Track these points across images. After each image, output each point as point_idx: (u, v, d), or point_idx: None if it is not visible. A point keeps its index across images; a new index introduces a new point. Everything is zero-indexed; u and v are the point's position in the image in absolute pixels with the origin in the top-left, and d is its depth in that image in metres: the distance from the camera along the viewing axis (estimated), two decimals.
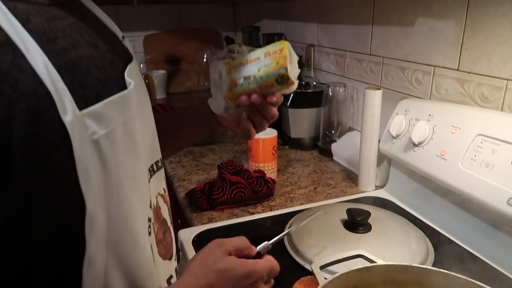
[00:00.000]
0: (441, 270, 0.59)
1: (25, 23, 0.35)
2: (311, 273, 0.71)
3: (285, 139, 1.42)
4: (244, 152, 1.34)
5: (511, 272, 0.74)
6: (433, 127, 0.89)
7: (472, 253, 0.81)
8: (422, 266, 0.60)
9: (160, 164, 0.58)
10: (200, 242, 0.86)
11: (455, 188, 0.81)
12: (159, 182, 0.58)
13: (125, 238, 0.43)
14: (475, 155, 0.79)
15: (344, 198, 1.04)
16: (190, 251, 0.84)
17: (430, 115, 0.91)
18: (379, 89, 1.01)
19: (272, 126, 1.27)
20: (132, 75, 0.46)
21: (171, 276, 0.59)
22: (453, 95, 0.97)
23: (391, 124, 0.99)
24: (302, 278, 0.74)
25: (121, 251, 0.43)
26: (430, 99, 1.04)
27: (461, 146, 0.82)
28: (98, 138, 0.38)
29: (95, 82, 0.40)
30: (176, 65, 2.32)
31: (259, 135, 1.14)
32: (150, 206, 0.51)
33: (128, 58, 0.50)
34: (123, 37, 0.57)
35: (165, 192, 0.60)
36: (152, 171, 0.55)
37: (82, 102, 0.37)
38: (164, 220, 0.58)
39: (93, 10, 0.52)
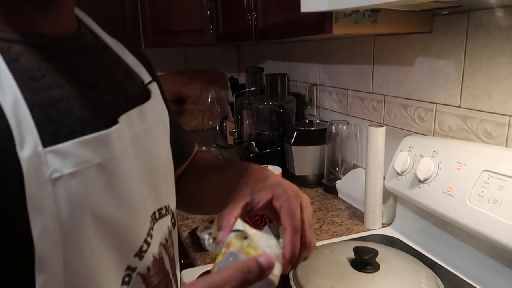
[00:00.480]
0: None
1: (12, 62, 0.37)
2: None
3: (289, 177, 1.41)
4: None
5: None
6: (438, 163, 0.89)
7: None
8: None
9: (164, 212, 0.55)
10: None
11: (464, 225, 0.80)
12: (163, 231, 0.55)
13: (83, 284, 0.41)
14: (482, 191, 0.78)
15: (350, 236, 1.02)
16: None
17: (434, 151, 0.91)
18: (382, 126, 1.02)
19: (276, 163, 1.28)
20: (141, 116, 0.47)
21: None
22: (456, 131, 0.97)
23: (396, 161, 0.99)
24: None
25: None
26: (433, 135, 1.04)
27: (467, 182, 0.81)
28: (60, 176, 0.37)
29: (73, 120, 0.40)
30: (182, 105, 2.37)
31: None
32: (139, 256, 0.48)
33: (141, 101, 0.51)
34: (151, 81, 0.58)
35: (167, 242, 0.56)
36: (155, 219, 0.52)
37: (50, 139, 0.37)
38: (167, 272, 0.55)
39: (121, 54, 0.54)
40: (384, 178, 1.04)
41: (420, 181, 0.91)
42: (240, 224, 0.48)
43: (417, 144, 0.97)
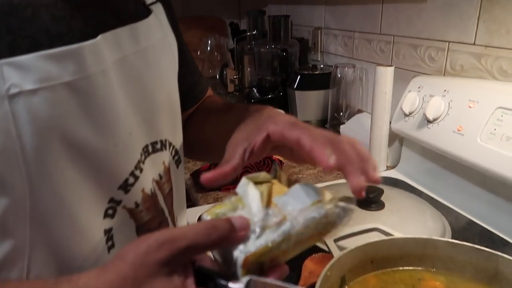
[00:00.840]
0: (467, 243, 0.56)
1: None
2: (322, 250, 0.68)
3: None
4: None
5: None
6: (448, 103, 0.85)
7: (491, 231, 0.77)
8: (445, 239, 0.57)
9: (159, 146, 0.51)
10: None
11: (473, 164, 0.78)
12: (156, 167, 0.51)
13: (55, 216, 0.38)
14: (495, 129, 0.75)
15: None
16: None
17: (445, 90, 0.87)
18: (390, 66, 0.97)
19: (278, 108, 1.24)
20: (133, 36, 0.42)
21: None
22: (469, 70, 0.93)
23: (404, 102, 0.95)
24: (313, 255, 0.70)
25: (51, 230, 0.38)
26: (444, 76, 1.00)
27: (479, 120, 0.78)
28: (19, 93, 0.33)
29: (39, 31, 0.35)
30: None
31: None
32: (124, 189, 0.45)
33: (135, 20, 0.46)
34: (155, 2, 0.52)
35: (161, 179, 0.53)
36: (146, 152, 0.49)
37: (8, 50, 0.33)
38: (162, 210, 0.52)
39: None
40: (390, 123, 1.01)
41: (429, 121, 0.88)
42: (243, 187, 0.40)
43: (427, 84, 0.93)
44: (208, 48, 2.19)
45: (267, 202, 0.39)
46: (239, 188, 0.41)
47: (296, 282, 0.65)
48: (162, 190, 0.54)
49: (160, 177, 0.53)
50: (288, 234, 0.36)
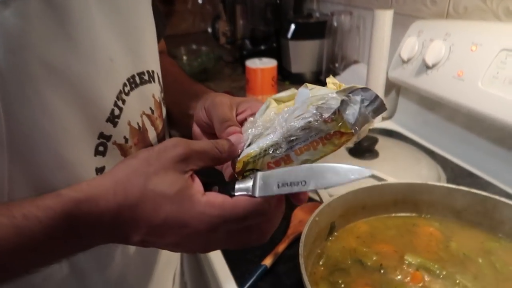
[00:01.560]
0: (458, 187, 0.53)
1: None
2: (313, 199, 0.65)
3: (285, 74, 1.33)
4: (242, 88, 1.25)
5: None
6: (450, 46, 0.80)
7: (486, 180, 0.75)
8: (440, 184, 0.54)
9: (147, 77, 0.48)
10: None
11: (473, 110, 0.74)
12: (145, 100, 0.48)
13: (36, 148, 0.36)
14: (497, 72, 0.71)
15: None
16: None
17: (446, 33, 0.82)
18: (390, 9, 0.91)
19: (273, 59, 1.18)
20: None
21: None
22: (473, 12, 0.87)
23: (402, 47, 0.90)
24: (303, 204, 0.68)
25: (32, 165, 0.36)
26: (446, 19, 0.94)
27: (482, 64, 0.73)
28: None
29: None
30: (170, 6, 2.18)
31: (258, 65, 1.05)
32: (112, 121, 0.42)
33: None
34: None
35: (153, 113, 0.50)
36: (133, 83, 0.46)
37: None
38: (151, 146, 0.49)
39: None
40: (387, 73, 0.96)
41: (428, 67, 0.83)
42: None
43: (428, 28, 0.88)
44: (200, 1, 2.09)
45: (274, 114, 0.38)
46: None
47: (285, 231, 0.63)
48: (156, 125, 0.51)
49: (152, 111, 0.50)
50: (276, 140, 0.35)
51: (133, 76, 0.46)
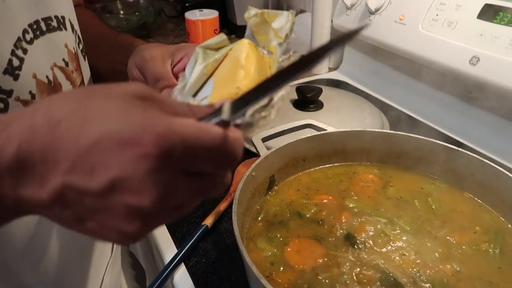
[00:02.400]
0: (397, 132, 0.53)
1: None
2: (256, 154, 0.63)
3: (231, 28, 1.27)
4: (185, 42, 1.18)
5: (468, 139, 0.70)
6: None
7: (428, 125, 0.76)
8: (375, 130, 0.54)
9: (55, 23, 0.42)
10: None
11: (414, 55, 0.73)
12: (56, 50, 0.43)
13: None
14: (437, 15, 0.69)
15: (294, 82, 0.94)
16: None
17: None
18: None
19: (216, 10, 1.11)
20: None
21: None
22: None
23: None
24: (247, 160, 0.66)
25: None
26: None
27: (422, 6, 0.72)
28: None
29: None
30: None
31: (198, 17, 0.99)
32: (11, 74, 0.37)
33: None
34: None
35: (67, 65, 0.44)
36: (38, 30, 0.40)
37: None
38: None
39: None
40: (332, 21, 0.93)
41: (371, 13, 0.81)
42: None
43: None
44: None
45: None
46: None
47: (228, 188, 0.61)
48: (72, 80, 0.45)
49: (66, 63, 0.44)
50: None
51: (36, 22, 0.40)
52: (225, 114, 0.25)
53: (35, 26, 0.40)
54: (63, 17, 0.44)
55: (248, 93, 0.25)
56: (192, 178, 0.24)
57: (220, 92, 0.38)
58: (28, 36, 0.39)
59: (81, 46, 0.49)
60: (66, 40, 0.44)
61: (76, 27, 0.48)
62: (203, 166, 0.24)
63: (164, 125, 0.22)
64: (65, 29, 0.44)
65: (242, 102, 0.25)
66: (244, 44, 0.39)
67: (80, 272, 0.50)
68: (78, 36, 0.48)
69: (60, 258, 0.45)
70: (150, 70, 0.46)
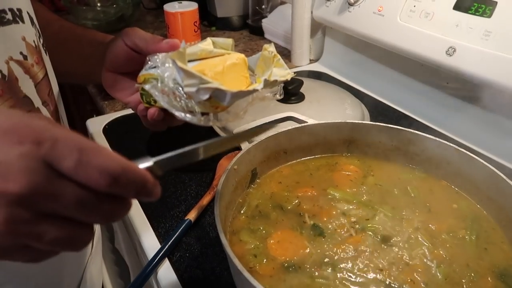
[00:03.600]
0: (376, 123, 0.53)
1: None
2: (238, 148, 0.63)
3: (211, 20, 1.25)
4: (165, 36, 1.17)
5: (446, 129, 0.72)
6: None
7: (407, 115, 0.77)
8: (355, 121, 0.54)
9: (10, 16, 0.41)
10: (113, 130, 0.74)
11: (393, 46, 0.74)
12: (11, 43, 0.41)
13: None
14: (414, 6, 0.70)
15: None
16: (102, 143, 0.72)
17: None
18: None
19: (196, 3, 1.10)
20: None
21: None
22: None
23: None
24: (229, 153, 0.66)
25: None
26: None
27: None
28: None
29: None
30: None
31: (177, 9, 0.97)
32: None
33: None
34: None
35: (26, 59, 0.43)
36: None
37: None
38: (26, 97, 0.43)
39: None
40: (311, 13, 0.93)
41: (350, 4, 0.81)
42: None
43: None
44: None
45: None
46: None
47: (211, 182, 0.61)
48: (31, 73, 0.44)
49: (24, 56, 0.43)
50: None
51: None
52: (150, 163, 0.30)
53: None
54: (19, 10, 0.42)
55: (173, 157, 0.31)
56: (70, 184, 0.25)
57: (199, 68, 0.44)
58: None
59: (42, 40, 0.48)
60: (24, 33, 0.43)
61: (35, 20, 0.47)
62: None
63: (44, 124, 0.25)
64: (22, 22, 0.43)
65: (165, 162, 0.30)
66: (241, 57, 0.45)
67: (57, 268, 0.50)
68: (38, 30, 0.47)
69: None
70: (143, 34, 0.49)
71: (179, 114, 0.43)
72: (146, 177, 0.27)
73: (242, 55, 0.46)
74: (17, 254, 0.26)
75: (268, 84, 0.45)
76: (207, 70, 0.42)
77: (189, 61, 0.45)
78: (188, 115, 0.43)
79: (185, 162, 0.33)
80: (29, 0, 0.45)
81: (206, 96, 0.40)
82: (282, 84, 0.48)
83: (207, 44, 0.47)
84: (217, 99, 0.41)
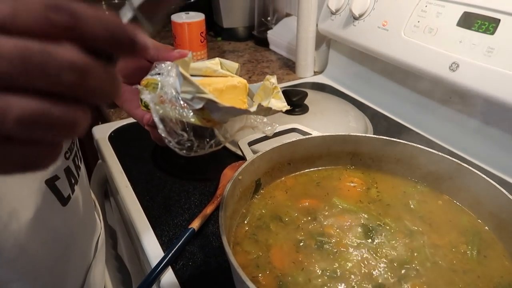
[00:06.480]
0: (380, 136, 0.54)
1: None
2: (243, 157, 0.64)
3: (217, 30, 1.27)
4: (171, 46, 1.19)
5: (447, 143, 0.72)
6: None
7: (411, 129, 0.78)
8: (359, 134, 0.55)
9: None
10: (118, 138, 0.75)
11: (397, 60, 0.75)
12: None
13: None
14: (418, 21, 0.71)
15: (280, 85, 0.95)
16: (107, 150, 0.73)
17: None
18: None
19: (201, 13, 1.12)
20: None
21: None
22: None
23: None
24: (233, 163, 0.67)
25: None
26: None
27: (404, 13, 0.74)
28: None
29: None
30: None
31: (184, 19, 0.99)
32: None
33: None
34: None
35: None
36: None
37: None
38: None
39: None
40: (317, 25, 0.94)
41: (355, 18, 0.82)
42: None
43: None
44: None
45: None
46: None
47: (215, 191, 0.62)
48: None
49: None
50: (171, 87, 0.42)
51: None
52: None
53: None
54: None
55: None
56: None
57: (200, 82, 0.44)
58: None
59: None
60: None
61: None
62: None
63: None
64: None
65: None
66: (242, 81, 0.45)
67: (63, 267, 0.50)
68: None
69: (40, 255, 0.45)
70: (154, 43, 0.48)
71: (157, 122, 0.43)
72: (110, 14, 0.21)
73: (244, 81, 0.47)
74: None
75: (262, 109, 0.45)
76: (207, 85, 0.43)
77: (193, 75, 0.45)
78: (167, 136, 0.43)
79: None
80: None
81: (199, 106, 0.40)
82: (277, 125, 0.49)
83: (215, 63, 0.48)
84: (209, 111, 0.41)
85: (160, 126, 0.42)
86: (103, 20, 0.20)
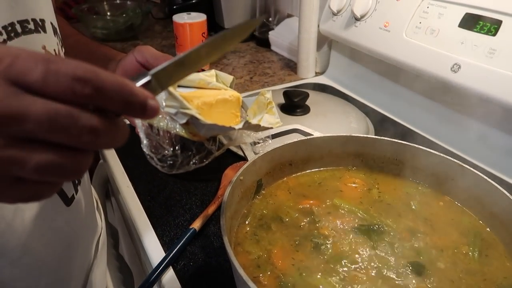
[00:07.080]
0: (381, 137, 0.54)
1: None
2: (244, 158, 0.64)
3: (218, 30, 1.27)
4: (173, 46, 1.19)
5: (449, 144, 0.72)
6: None
7: (412, 130, 0.78)
8: (361, 135, 0.55)
9: (32, 26, 0.42)
10: None
11: (398, 61, 0.75)
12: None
13: None
14: (420, 22, 0.71)
15: (282, 86, 0.96)
16: (109, 150, 0.73)
17: None
18: None
19: (203, 13, 1.12)
20: None
21: None
22: None
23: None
24: (235, 164, 0.67)
25: None
26: None
27: (406, 14, 0.74)
28: None
29: None
30: None
31: (186, 20, 0.99)
32: None
33: None
34: None
35: None
36: (12, 32, 0.39)
37: None
38: None
39: None
40: (318, 26, 0.94)
41: (357, 19, 0.82)
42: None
43: None
44: None
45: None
46: None
47: (216, 191, 0.62)
48: None
49: None
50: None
51: (11, 24, 0.39)
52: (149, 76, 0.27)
53: (9, 28, 0.39)
54: (42, 20, 0.43)
55: (171, 65, 0.28)
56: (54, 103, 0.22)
57: (192, 94, 0.44)
58: (1, 38, 0.38)
59: (64, 50, 0.49)
60: (44, 43, 0.44)
61: (58, 30, 0.48)
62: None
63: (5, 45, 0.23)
64: (44, 31, 0.44)
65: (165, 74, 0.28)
66: (235, 95, 0.45)
67: (64, 269, 0.50)
68: (61, 40, 0.49)
69: (43, 254, 0.45)
70: (153, 52, 0.51)
71: (142, 138, 0.43)
72: (126, 83, 0.24)
73: (238, 94, 0.47)
74: (6, 187, 0.23)
75: (249, 126, 0.45)
76: (197, 98, 0.42)
77: (186, 86, 0.45)
78: (150, 153, 0.43)
79: (187, 71, 0.29)
80: (53, 12, 0.47)
81: (183, 121, 0.40)
82: (270, 141, 0.50)
83: (210, 75, 0.47)
84: (194, 126, 0.41)
85: (144, 141, 0.43)
86: (119, 88, 0.24)
